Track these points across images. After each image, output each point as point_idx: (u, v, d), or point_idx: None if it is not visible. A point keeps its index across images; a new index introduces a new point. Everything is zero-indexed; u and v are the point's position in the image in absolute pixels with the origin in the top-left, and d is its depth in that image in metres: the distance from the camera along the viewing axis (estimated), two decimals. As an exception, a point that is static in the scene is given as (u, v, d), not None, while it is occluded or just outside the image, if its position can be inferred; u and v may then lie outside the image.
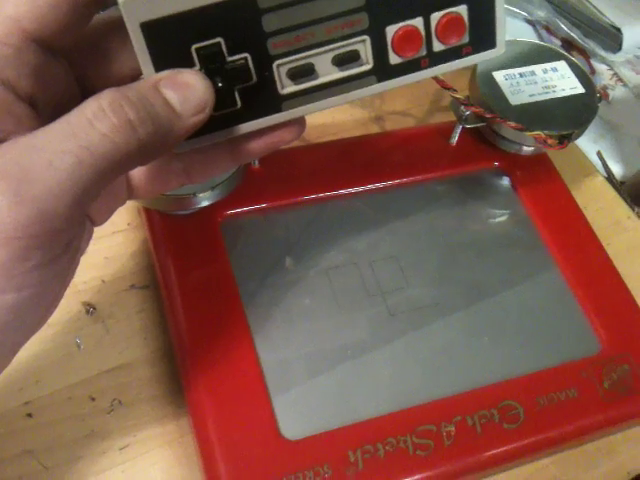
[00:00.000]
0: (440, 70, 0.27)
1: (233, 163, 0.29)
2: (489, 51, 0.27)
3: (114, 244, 0.40)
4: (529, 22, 0.70)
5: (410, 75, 0.26)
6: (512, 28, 0.69)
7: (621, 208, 0.48)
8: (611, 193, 0.49)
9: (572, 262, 0.41)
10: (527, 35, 0.69)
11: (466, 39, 0.26)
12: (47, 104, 0.24)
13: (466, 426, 0.34)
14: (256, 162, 0.41)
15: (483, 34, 0.26)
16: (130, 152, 0.22)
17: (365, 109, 0.49)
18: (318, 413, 0.34)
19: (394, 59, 0.26)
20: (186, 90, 0.23)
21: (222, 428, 0.33)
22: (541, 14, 0.70)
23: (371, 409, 0.34)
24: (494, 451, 0.34)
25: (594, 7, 0.71)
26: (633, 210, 0.49)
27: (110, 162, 0.21)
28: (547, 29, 0.70)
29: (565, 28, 0.69)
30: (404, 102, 0.50)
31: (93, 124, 0.21)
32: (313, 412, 0.34)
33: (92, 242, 0.39)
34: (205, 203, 0.37)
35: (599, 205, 0.47)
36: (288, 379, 0.34)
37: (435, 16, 0.25)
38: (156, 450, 0.34)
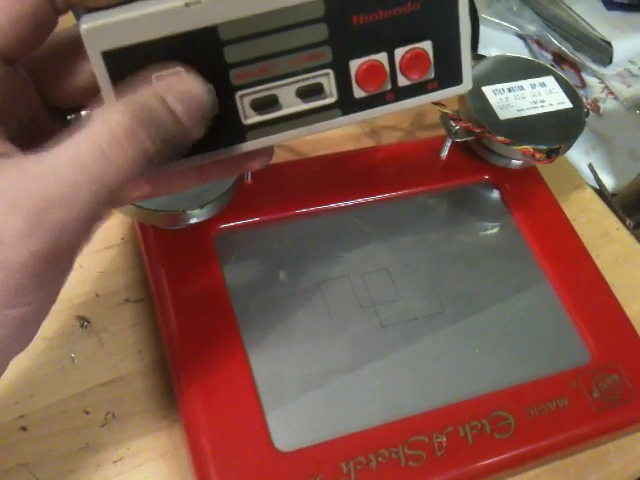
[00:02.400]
0: (405, 105, 0.27)
1: (198, 182, 0.29)
2: (455, 87, 0.27)
3: (108, 258, 0.41)
4: (520, 36, 0.71)
5: (375, 109, 0.27)
6: (503, 42, 0.70)
7: (609, 219, 0.48)
8: (600, 205, 0.49)
9: (561, 273, 0.41)
10: (518, 49, 0.70)
11: (431, 75, 0.27)
12: (12, 117, 0.24)
13: (458, 437, 0.34)
14: (249, 176, 0.42)
15: (449, 70, 0.27)
16: (140, 174, 0.22)
17: (357, 124, 0.50)
18: (311, 425, 0.34)
19: (358, 93, 0.26)
20: (190, 100, 0.23)
21: (215, 440, 0.33)
22: (532, 28, 0.71)
23: (363, 420, 0.34)
24: (486, 461, 0.34)
25: (584, 21, 0.72)
26: (624, 221, 0.49)
27: (121, 188, 0.22)
28: (538, 43, 0.71)
29: (556, 42, 0.70)
30: (395, 117, 0.51)
31: (107, 157, 0.21)
32: (306, 424, 0.34)
33: (86, 256, 0.40)
34: (199, 219, 0.37)
35: (588, 217, 0.48)
36: (281, 391, 0.35)
37: (399, 51, 0.26)
38: (150, 463, 0.34)
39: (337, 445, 0.33)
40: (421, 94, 0.27)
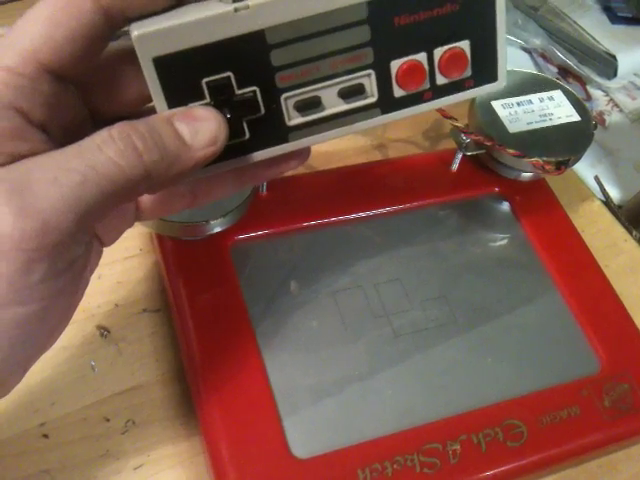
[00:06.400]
0: (443, 102, 0.28)
1: (238, 187, 0.30)
2: (491, 84, 0.28)
3: (127, 269, 0.41)
4: (525, 50, 0.72)
5: (413, 107, 0.27)
6: (508, 56, 0.71)
7: (618, 231, 0.49)
8: (608, 216, 0.50)
9: (571, 284, 0.42)
10: (524, 63, 0.71)
11: (468, 73, 0.27)
12: (58, 129, 0.25)
13: (471, 444, 0.35)
14: (264, 188, 0.42)
15: (485, 68, 0.28)
16: (135, 177, 0.23)
17: (368, 137, 0.51)
18: (327, 432, 0.35)
19: (398, 92, 0.27)
20: (198, 123, 0.24)
21: (233, 448, 0.33)
22: (537, 42, 0.72)
23: (379, 428, 0.35)
24: (499, 469, 0.35)
25: (589, 35, 0.73)
26: (631, 233, 0.50)
27: (114, 184, 0.22)
28: (543, 56, 0.72)
29: (561, 55, 0.71)
30: (406, 130, 0.52)
31: (101, 148, 0.22)
32: (322, 431, 0.35)
33: (105, 267, 0.40)
34: (217, 230, 0.38)
35: (596, 228, 0.48)
36: (297, 399, 0.35)
37: (438, 51, 0.26)
38: (169, 470, 0.35)
39: (353, 452, 0.34)
40: (458, 92, 0.28)
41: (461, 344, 0.39)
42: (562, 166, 0.43)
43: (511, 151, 0.42)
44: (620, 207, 0.58)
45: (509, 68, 0.49)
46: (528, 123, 0.44)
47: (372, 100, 0.27)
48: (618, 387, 0.38)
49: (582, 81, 0.71)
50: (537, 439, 0.35)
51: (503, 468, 0.35)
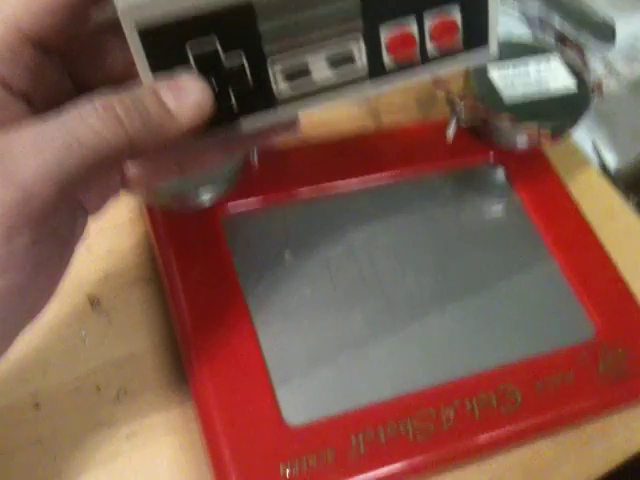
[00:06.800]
0: (433, 71, 0.27)
1: (225, 155, 0.29)
2: (482, 54, 0.28)
3: (117, 237, 0.41)
4: (522, 18, 0.71)
5: (404, 77, 0.27)
6: (505, 24, 0.70)
7: (614, 198, 0.49)
8: (604, 184, 0.50)
9: (567, 250, 0.41)
10: (520, 30, 0.70)
11: (459, 41, 0.27)
12: (42, 100, 0.24)
13: (465, 410, 0.35)
14: (255, 158, 0.42)
15: (476, 37, 0.27)
16: (118, 146, 0.23)
17: (361, 105, 0.50)
18: (320, 399, 0.35)
19: (388, 61, 0.26)
20: (182, 92, 0.24)
21: (226, 416, 0.33)
22: (534, 10, 0.71)
23: (372, 395, 0.35)
24: (492, 434, 0.35)
25: (587, 3, 0.72)
26: (627, 198, 0.50)
27: (97, 153, 0.22)
28: (540, 25, 0.71)
29: (558, 24, 0.70)
30: (399, 97, 0.51)
31: (83, 118, 0.22)
32: (315, 398, 0.35)
33: (95, 235, 0.40)
34: (206, 198, 0.38)
35: (592, 195, 0.48)
36: (290, 366, 0.35)
37: (428, 17, 0.26)
38: (162, 437, 0.35)
39: (346, 418, 0.34)
40: (448, 60, 0.27)
41: (455, 311, 0.39)
42: (558, 134, 0.42)
43: (507, 116, 0.41)
44: (617, 174, 0.58)
45: (506, 37, 0.49)
46: (524, 91, 0.44)
47: (362, 68, 0.26)
48: (613, 353, 0.38)
49: (580, 49, 0.70)
50: (531, 404, 0.35)
51: (496, 433, 0.35)
